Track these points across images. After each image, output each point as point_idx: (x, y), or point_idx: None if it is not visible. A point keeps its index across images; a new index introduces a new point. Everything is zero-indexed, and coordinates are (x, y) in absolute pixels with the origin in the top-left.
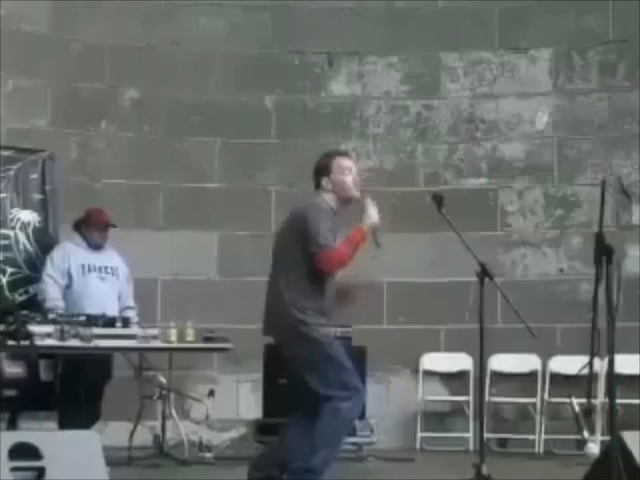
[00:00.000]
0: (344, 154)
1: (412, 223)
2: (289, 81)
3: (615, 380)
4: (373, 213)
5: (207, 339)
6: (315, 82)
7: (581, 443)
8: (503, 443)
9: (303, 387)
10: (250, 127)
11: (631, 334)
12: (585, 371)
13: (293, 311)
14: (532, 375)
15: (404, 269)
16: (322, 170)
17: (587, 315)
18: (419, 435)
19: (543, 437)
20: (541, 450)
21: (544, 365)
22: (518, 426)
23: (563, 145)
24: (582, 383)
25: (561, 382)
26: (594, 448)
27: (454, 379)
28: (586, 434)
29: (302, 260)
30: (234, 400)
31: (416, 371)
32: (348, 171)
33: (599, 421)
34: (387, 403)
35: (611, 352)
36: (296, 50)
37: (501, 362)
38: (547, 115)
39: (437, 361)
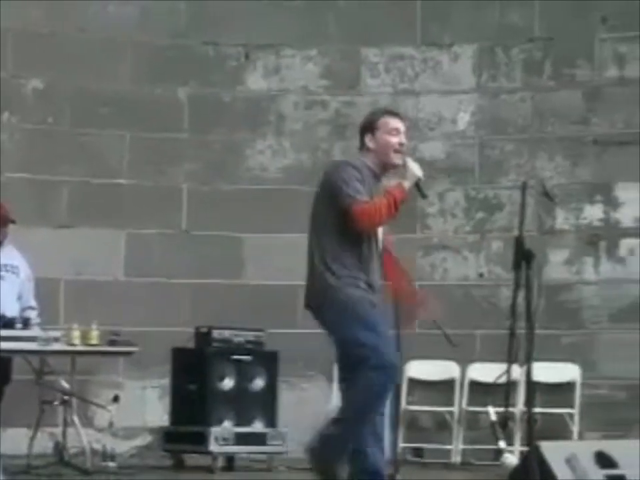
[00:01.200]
0: (394, 113)
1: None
2: (203, 73)
3: (533, 388)
4: (415, 168)
5: (112, 342)
6: (231, 75)
7: (498, 453)
8: (419, 452)
9: (342, 356)
10: (161, 121)
11: (552, 341)
12: (503, 379)
13: (326, 275)
14: (450, 383)
15: None
16: (367, 127)
17: (505, 321)
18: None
19: (460, 446)
20: (458, 460)
21: (462, 373)
22: (435, 435)
23: (485, 146)
24: (501, 391)
25: (480, 390)
26: (510, 458)
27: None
28: (502, 444)
29: (333, 219)
30: (140, 406)
31: (331, 377)
32: (395, 132)
33: (518, 431)
34: (300, 410)
35: (529, 360)
36: (211, 41)
37: (419, 369)
38: (469, 114)
39: None
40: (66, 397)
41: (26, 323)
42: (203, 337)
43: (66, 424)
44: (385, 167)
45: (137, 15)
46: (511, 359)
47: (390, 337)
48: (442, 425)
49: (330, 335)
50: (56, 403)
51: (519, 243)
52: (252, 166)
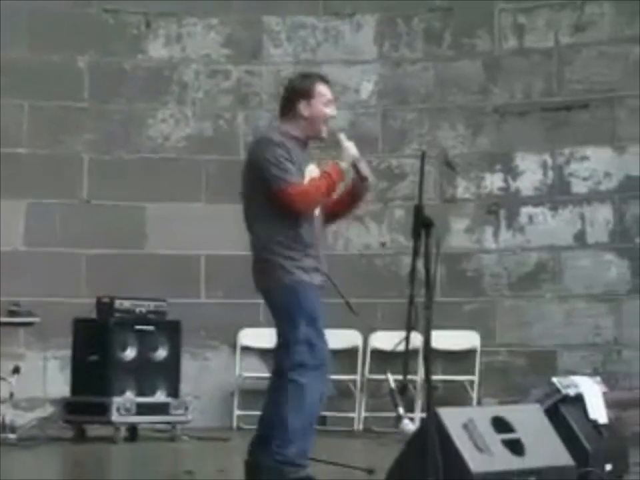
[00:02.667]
0: (327, 80)
1: (231, 193)
2: (104, 41)
3: (432, 356)
4: (350, 147)
5: (12, 313)
6: (131, 43)
7: (399, 420)
8: (322, 420)
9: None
10: (61, 90)
11: (453, 309)
12: (401, 347)
13: (268, 258)
14: (352, 351)
15: (223, 242)
16: (301, 92)
17: (407, 289)
18: (236, 413)
19: (363, 414)
20: (361, 427)
21: (365, 341)
22: (338, 403)
23: (388, 115)
24: (402, 359)
25: (382, 358)
26: (409, 425)
27: (273, 355)
28: (401, 410)
29: (267, 201)
30: (40, 378)
31: (234, 346)
32: (328, 103)
33: (419, 398)
34: (204, 380)
35: (427, 327)
36: (111, 9)
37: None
38: (371, 84)
39: (255, 337)
40: None
41: None
42: (105, 307)
43: None
44: (309, 138)
45: None
46: (409, 327)
47: (322, 324)
48: (345, 393)
49: (274, 319)
50: None
51: (417, 211)
52: (154, 135)
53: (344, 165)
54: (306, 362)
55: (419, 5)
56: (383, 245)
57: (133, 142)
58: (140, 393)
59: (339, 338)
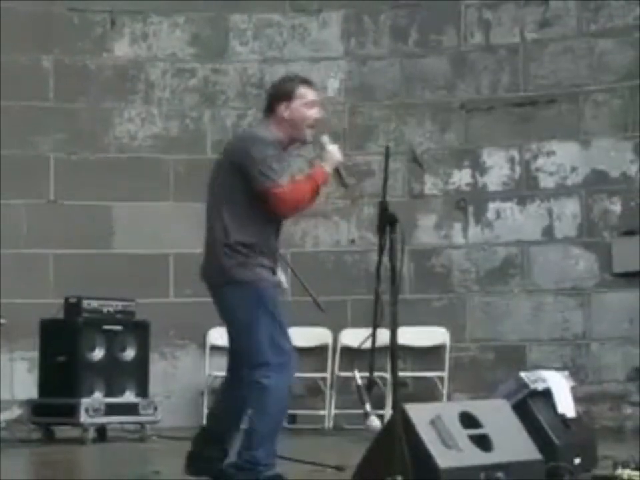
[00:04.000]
0: (311, 84)
1: (198, 192)
2: (69, 40)
3: (401, 352)
4: (334, 150)
5: None
6: (97, 42)
7: (366, 417)
8: (292, 418)
9: (235, 346)
10: (26, 90)
11: (422, 305)
12: (368, 344)
13: (230, 252)
14: (322, 349)
15: (190, 240)
16: (282, 94)
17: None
18: (206, 412)
19: (333, 412)
20: (331, 425)
21: (335, 339)
22: (308, 401)
23: (355, 112)
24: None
25: (352, 355)
26: (375, 421)
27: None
28: (368, 407)
29: (242, 196)
30: (8, 379)
31: (203, 346)
32: (312, 105)
33: (389, 395)
34: (173, 379)
35: (393, 323)
36: (76, 8)
37: (291, 336)
38: (338, 81)
39: (224, 336)
40: None
41: None
42: (72, 307)
43: None
44: (292, 141)
45: None
46: (375, 323)
47: (285, 322)
48: (315, 391)
49: (226, 318)
50: None
51: (382, 207)
52: (120, 134)
53: (328, 167)
54: (269, 361)
55: (384, 2)
56: (352, 241)
57: (99, 141)
58: (109, 394)
59: (308, 336)
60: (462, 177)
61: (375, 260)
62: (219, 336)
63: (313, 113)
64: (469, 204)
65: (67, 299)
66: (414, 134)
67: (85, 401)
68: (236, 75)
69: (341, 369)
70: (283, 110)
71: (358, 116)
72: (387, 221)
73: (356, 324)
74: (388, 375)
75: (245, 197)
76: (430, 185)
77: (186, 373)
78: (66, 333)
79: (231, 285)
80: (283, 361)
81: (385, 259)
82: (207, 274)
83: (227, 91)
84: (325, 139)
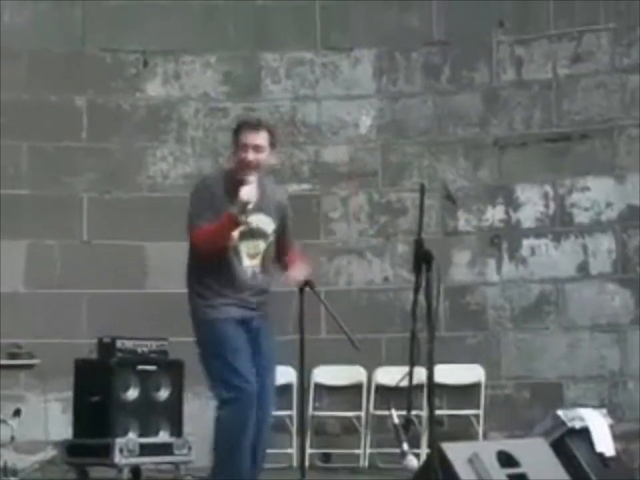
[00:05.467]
0: (250, 125)
1: None
2: (101, 81)
3: (434, 390)
4: (243, 192)
5: (13, 355)
6: (129, 82)
7: (403, 456)
8: (326, 458)
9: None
10: (59, 130)
11: (456, 343)
12: (405, 382)
13: (191, 296)
14: (357, 387)
15: None
16: (232, 140)
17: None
18: None
19: (368, 450)
20: (366, 464)
21: (369, 377)
22: (342, 440)
23: (388, 150)
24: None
25: (387, 394)
26: (413, 460)
27: (277, 393)
28: (405, 446)
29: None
30: (42, 420)
31: None
32: (245, 148)
33: (425, 433)
34: (207, 419)
35: (430, 361)
36: (108, 48)
37: (325, 374)
38: (370, 118)
39: None
40: None
41: None
42: (106, 347)
43: None
44: (238, 183)
45: (31, 22)
46: (412, 362)
47: (247, 361)
48: (350, 430)
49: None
50: None
51: (418, 245)
52: (153, 174)
53: (234, 210)
54: (222, 397)
55: (417, 39)
56: (386, 279)
57: (132, 181)
58: (143, 434)
59: (343, 374)
60: (495, 214)
61: (409, 297)
62: None
63: (245, 154)
64: (502, 240)
65: (100, 339)
66: (447, 171)
67: (119, 441)
68: (268, 114)
69: (375, 408)
70: (231, 155)
71: (391, 153)
72: (422, 259)
73: (390, 362)
74: (423, 413)
75: None
76: (463, 221)
77: None
78: (100, 373)
79: (195, 326)
80: (232, 396)
81: (421, 297)
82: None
83: None
84: (249, 179)
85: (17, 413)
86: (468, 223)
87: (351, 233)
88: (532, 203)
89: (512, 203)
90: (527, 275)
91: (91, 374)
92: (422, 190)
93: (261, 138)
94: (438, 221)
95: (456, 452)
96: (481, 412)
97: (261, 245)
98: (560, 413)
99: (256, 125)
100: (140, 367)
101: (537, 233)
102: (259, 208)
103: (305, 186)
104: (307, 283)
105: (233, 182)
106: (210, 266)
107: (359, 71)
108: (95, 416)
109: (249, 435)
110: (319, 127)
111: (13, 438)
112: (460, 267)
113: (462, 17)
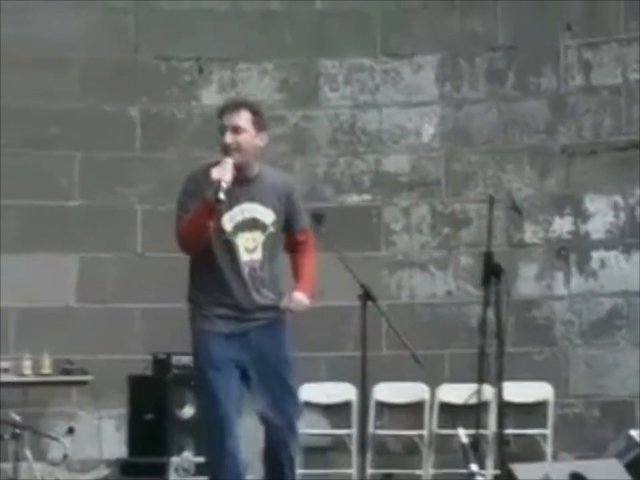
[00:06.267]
0: (224, 108)
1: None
2: (155, 89)
3: (504, 409)
4: (214, 171)
5: (65, 372)
6: (184, 90)
7: (470, 477)
8: (388, 478)
9: None
10: (113, 139)
11: (523, 359)
12: (473, 400)
13: (188, 303)
14: (419, 405)
15: None
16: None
17: (476, 339)
18: (299, 471)
19: (431, 471)
20: None
21: (432, 394)
22: (404, 460)
23: (451, 158)
24: (472, 412)
25: (450, 412)
26: None
27: (336, 411)
28: (474, 467)
29: None
30: (95, 438)
31: None
32: (223, 130)
33: (490, 453)
34: (260, 436)
35: (499, 379)
36: (163, 56)
37: (386, 391)
38: (433, 126)
39: (317, 392)
40: (17, 431)
41: None
42: (161, 363)
43: (17, 458)
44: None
45: (84, 30)
46: (481, 379)
47: (227, 384)
48: (412, 449)
49: None
50: (7, 437)
51: (487, 257)
52: None
53: (208, 194)
54: (204, 411)
55: (480, 43)
56: (449, 293)
57: None
58: (198, 452)
59: (404, 391)
60: (563, 225)
61: (473, 312)
62: (311, 392)
63: (223, 138)
64: (570, 253)
65: (155, 355)
66: (512, 180)
67: (174, 460)
68: (327, 122)
69: (439, 426)
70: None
71: (454, 162)
72: (492, 272)
73: (454, 379)
74: (488, 432)
75: None
76: (530, 233)
77: None
78: (155, 390)
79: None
80: (208, 419)
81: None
82: None
83: (318, 138)
84: (225, 160)
85: (70, 431)
86: (534, 235)
87: (412, 245)
88: (601, 214)
89: (580, 214)
90: (597, 288)
91: (145, 391)
92: (491, 201)
93: (241, 119)
94: (503, 233)
95: (526, 473)
96: (549, 431)
97: (259, 237)
98: (633, 433)
99: (235, 105)
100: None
101: (607, 244)
102: (253, 197)
103: (365, 197)
104: (369, 296)
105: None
106: (205, 266)
107: (421, 77)
108: (150, 434)
109: (230, 449)
110: (380, 135)
111: (65, 456)
112: (526, 280)
113: (528, 20)
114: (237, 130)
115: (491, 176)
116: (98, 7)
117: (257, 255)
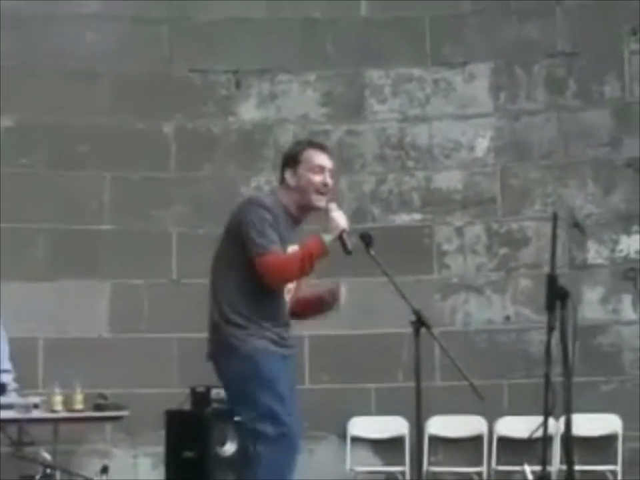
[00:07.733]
0: (321, 147)
1: (336, 265)
2: (190, 104)
3: (572, 443)
4: (338, 218)
5: (98, 407)
6: (221, 105)
7: None
8: None
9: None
10: (146, 158)
11: (588, 390)
12: (538, 434)
13: (226, 326)
14: (477, 440)
15: (327, 320)
16: (288, 159)
17: (537, 368)
18: None
19: None
20: None
21: (490, 428)
22: None
23: (507, 174)
24: (535, 448)
25: (511, 447)
26: None
27: (387, 446)
28: None
29: (238, 265)
30: (131, 477)
31: (343, 437)
32: (319, 170)
33: None
34: (309, 474)
35: (568, 411)
36: (198, 69)
37: (441, 425)
38: (487, 140)
39: (367, 426)
40: (48, 470)
41: (1, 389)
42: (200, 397)
43: None
44: (305, 209)
45: (115, 43)
46: (547, 411)
47: (290, 399)
48: None
49: (225, 391)
50: (38, 477)
51: (551, 280)
52: None
53: (328, 238)
54: (268, 433)
55: (538, 50)
56: (508, 318)
57: (224, 213)
58: None
59: (461, 425)
60: (630, 244)
61: (534, 338)
62: (362, 426)
63: (320, 177)
64: (639, 274)
65: (193, 389)
66: (574, 196)
67: None
68: (373, 136)
69: (498, 462)
70: (290, 176)
71: (510, 178)
72: (557, 296)
73: (513, 411)
74: (553, 469)
75: (240, 266)
76: (594, 253)
77: (324, 468)
78: (194, 426)
79: (228, 358)
80: (280, 432)
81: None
82: (208, 351)
83: (365, 154)
84: (333, 206)
85: (105, 470)
86: (599, 255)
87: (467, 266)
88: None
89: None
90: None
91: (184, 426)
92: (554, 218)
93: (332, 162)
94: (565, 253)
95: None
96: (618, 467)
97: None
98: None
99: (326, 147)
100: (237, 419)
101: None
102: (297, 241)
103: (416, 216)
104: (423, 322)
105: (299, 206)
106: (259, 296)
107: (474, 87)
108: (190, 472)
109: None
110: (430, 150)
111: None
112: (591, 304)
113: (589, 25)
114: (330, 174)
115: (551, 192)
116: (129, 18)
117: (289, 296)
